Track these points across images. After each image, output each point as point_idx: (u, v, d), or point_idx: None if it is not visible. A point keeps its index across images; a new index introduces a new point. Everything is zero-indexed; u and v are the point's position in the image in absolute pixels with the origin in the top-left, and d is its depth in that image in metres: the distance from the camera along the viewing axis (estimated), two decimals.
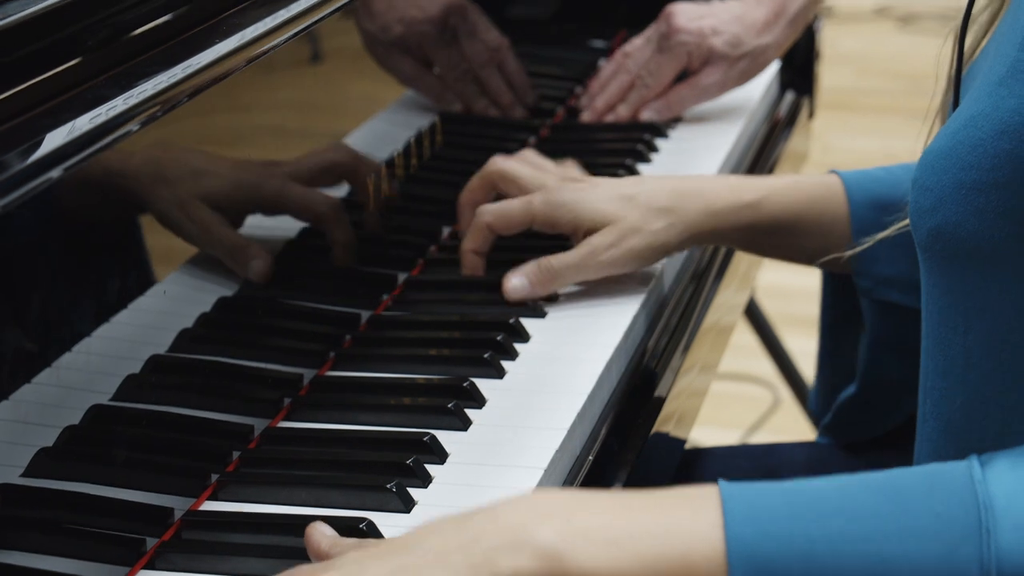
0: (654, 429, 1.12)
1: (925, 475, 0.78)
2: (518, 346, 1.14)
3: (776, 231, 1.19)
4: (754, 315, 2.18)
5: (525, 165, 1.24)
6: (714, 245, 1.31)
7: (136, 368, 1.09)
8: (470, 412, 1.05)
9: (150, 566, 0.90)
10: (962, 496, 0.76)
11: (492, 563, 0.77)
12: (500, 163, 1.25)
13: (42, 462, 0.97)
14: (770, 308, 2.30)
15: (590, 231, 1.18)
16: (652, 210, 1.17)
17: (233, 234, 1.11)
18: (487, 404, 1.07)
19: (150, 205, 1.04)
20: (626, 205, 1.17)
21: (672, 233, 1.17)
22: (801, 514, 0.76)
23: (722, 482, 0.78)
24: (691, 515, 0.77)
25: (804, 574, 0.75)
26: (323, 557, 0.87)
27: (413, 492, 0.96)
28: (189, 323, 1.15)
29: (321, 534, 0.88)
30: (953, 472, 0.78)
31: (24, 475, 0.97)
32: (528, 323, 1.17)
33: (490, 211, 1.21)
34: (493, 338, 1.13)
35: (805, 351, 2.38)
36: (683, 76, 1.55)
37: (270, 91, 1.18)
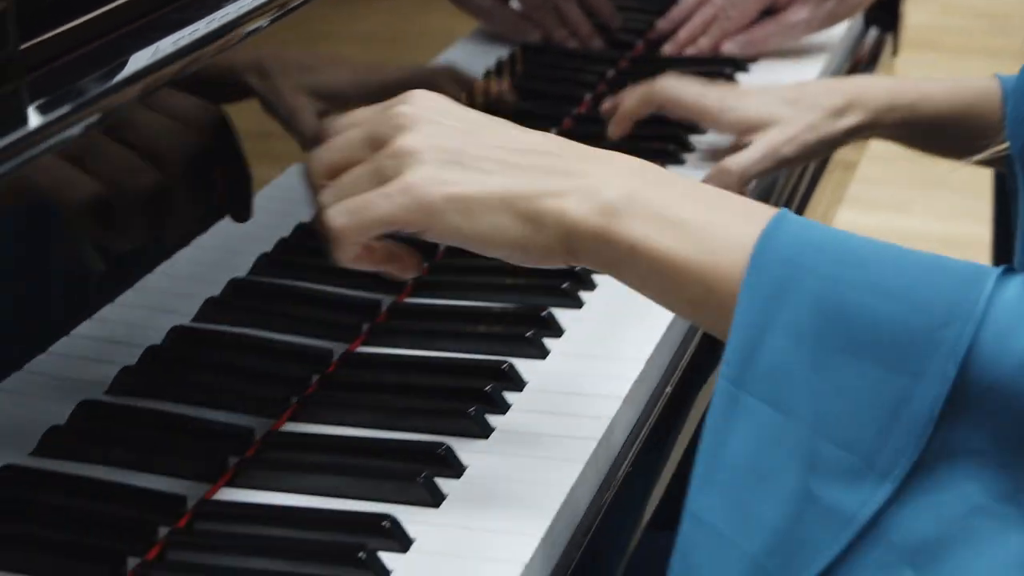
0: None
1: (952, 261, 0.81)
2: (597, 276, 1.14)
3: (931, 131, 1.29)
4: None
5: (692, 86, 1.32)
6: (870, 139, 1.37)
7: (216, 291, 1.10)
8: (547, 341, 1.05)
9: (231, 483, 0.91)
10: (967, 286, 0.76)
11: (566, 199, 0.84)
12: (670, 85, 1.32)
13: (125, 381, 0.98)
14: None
15: (755, 131, 1.28)
16: (820, 108, 1.28)
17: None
18: (565, 333, 1.07)
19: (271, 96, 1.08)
20: (793, 106, 1.28)
21: (839, 128, 1.28)
22: (828, 248, 0.80)
23: (784, 211, 0.82)
24: (744, 225, 0.82)
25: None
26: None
27: (491, 419, 0.96)
28: (268, 247, 1.15)
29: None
30: (973, 267, 0.79)
31: (108, 392, 0.98)
32: None
33: (669, 86, 1.31)
34: (572, 268, 1.13)
35: None
36: (768, 13, 1.53)
37: (345, 23, 1.18)
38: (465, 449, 0.93)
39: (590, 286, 1.13)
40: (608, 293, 1.13)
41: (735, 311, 0.80)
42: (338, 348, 1.05)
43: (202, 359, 1.03)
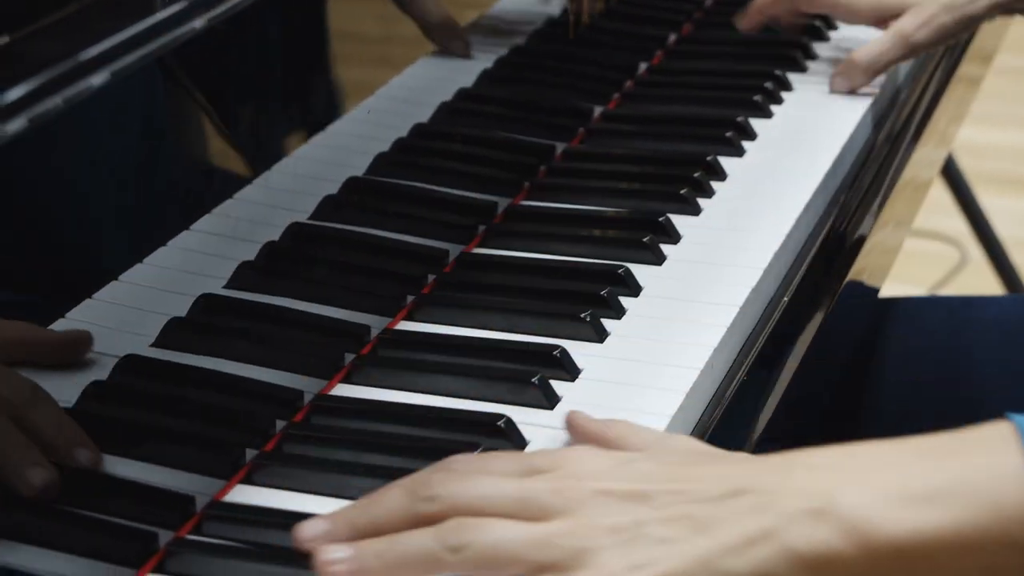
0: (848, 278, 1.10)
1: None
2: (715, 184, 1.13)
3: None
4: (949, 172, 2.13)
5: None
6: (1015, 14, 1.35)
7: (334, 189, 1.10)
8: (664, 247, 1.05)
9: (347, 379, 0.92)
10: None
11: (788, 533, 0.69)
12: None
13: (245, 275, 0.99)
14: (963, 165, 2.24)
15: (891, 18, 1.25)
16: None
17: None
18: (681, 240, 1.06)
19: None
20: None
21: (979, 6, 1.25)
22: None
23: (1012, 416, 0.71)
24: (989, 456, 0.70)
25: None
26: (596, 438, 0.80)
27: (606, 323, 0.96)
28: (386, 147, 1.16)
29: (588, 417, 0.82)
30: None
31: (227, 287, 0.99)
32: (726, 162, 1.16)
33: None
34: (690, 175, 1.12)
35: (998, 208, 2.33)
36: None
37: None
38: (580, 352, 0.93)
39: (708, 193, 1.12)
40: (726, 200, 1.12)
41: None
42: (454, 249, 1.05)
43: (320, 256, 1.03)
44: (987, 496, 0.68)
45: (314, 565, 0.72)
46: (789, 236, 1.06)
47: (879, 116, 1.28)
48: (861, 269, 1.13)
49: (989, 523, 0.68)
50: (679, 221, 1.07)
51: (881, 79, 1.28)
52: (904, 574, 0.69)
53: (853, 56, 1.25)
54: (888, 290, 1.26)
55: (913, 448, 0.71)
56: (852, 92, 1.26)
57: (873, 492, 0.69)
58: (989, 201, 2.26)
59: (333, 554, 0.72)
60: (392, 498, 0.74)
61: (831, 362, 1.12)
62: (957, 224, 2.32)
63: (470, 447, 0.83)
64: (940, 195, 2.23)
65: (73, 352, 0.90)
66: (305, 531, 0.74)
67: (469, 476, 0.74)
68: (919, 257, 2.48)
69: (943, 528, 0.68)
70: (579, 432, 0.82)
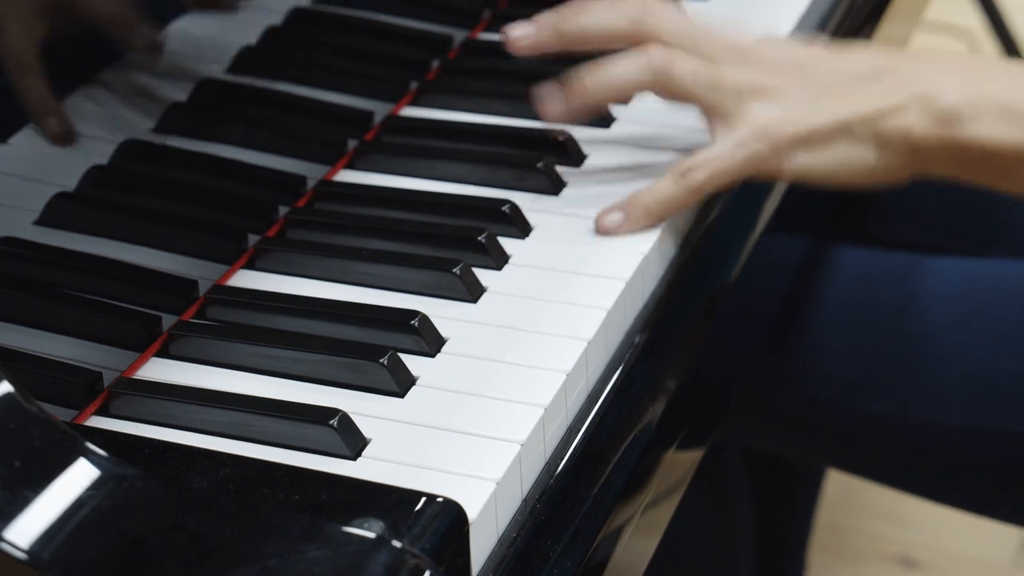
0: None
1: None
2: None
3: None
4: None
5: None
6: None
7: None
8: None
9: (350, 165, 0.91)
10: None
11: (883, 117, 0.82)
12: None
13: (247, 60, 0.98)
14: None
15: None
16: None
17: None
18: None
19: None
20: None
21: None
22: None
23: None
24: None
25: None
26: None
27: (615, 110, 0.95)
28: None
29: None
30: None
31: (228, 71, 0.97)
32: None
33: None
34: None
35: (1017, 3, 2.29)
36: None
37: None
38: (586, 141, 0.92)
39: None
40: None
41: None
42: (459, 34, 1.04)
43: (322, 40, 1.01)
44: None
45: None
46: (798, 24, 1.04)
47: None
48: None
49: None
50: None
51: None
52: (984, 170, 0.83)
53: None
54: None
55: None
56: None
57: (977, 95, 0.81)
58: None
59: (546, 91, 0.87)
60: (598, 11, 0.87)
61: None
62: (970, 17, 2.28)
63: (475, 232, 0.82)
64: None
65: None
66: (512, 30, 0.88)
67: (668, 8, 0.87)
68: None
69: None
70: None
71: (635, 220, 0.84)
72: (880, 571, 1.70)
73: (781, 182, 0.91)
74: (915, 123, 0.82)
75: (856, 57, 0.86)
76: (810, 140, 0.84)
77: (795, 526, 1.37)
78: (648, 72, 0.85)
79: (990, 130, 0.81)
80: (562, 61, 1.00)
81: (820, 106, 0.84)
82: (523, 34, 0.88)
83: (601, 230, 0.84)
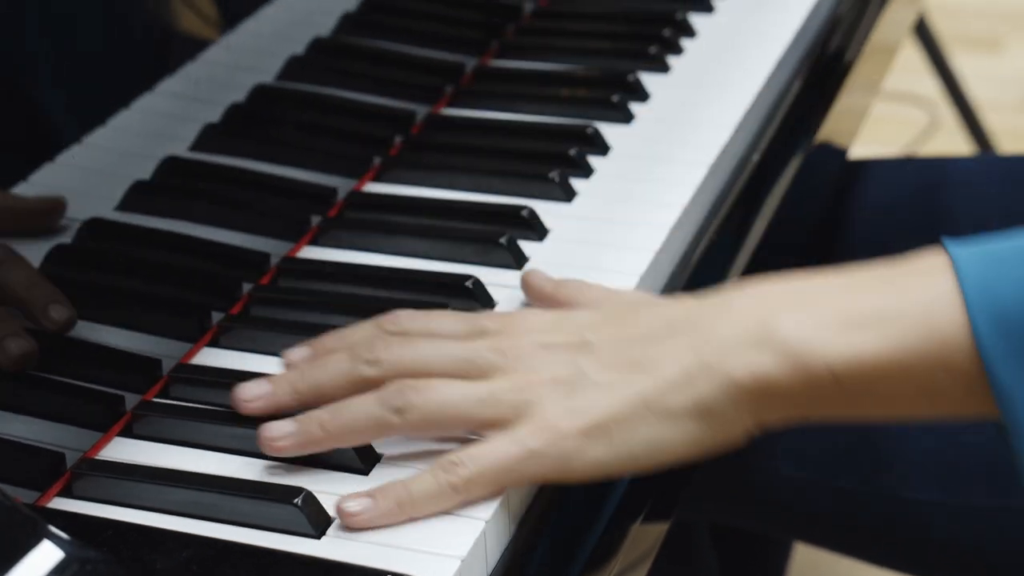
0: (817, 139, 1.09)
1: None
2: (684, 42, 1.12)
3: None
4: (922, 32, 2.11)
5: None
6: None
7: (300, 49, 1.08)
8: (633, 106, 1.04)
9: (314, 242, 0.91)
10: None
11: (727, 362, 0.69)
12: None
13: (210, 137, 0.98)
14: (940, 26, 2.23)
15: None
16: None
17: None
18: (651, 99, 1.05)
19: None
20: None
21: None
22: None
23: (946, 242, 0.70)
24: (923, 282, 0.69)
25: None
26: (548, 298, 0.80)
27: (575, 183, 0.95)
28: (352, 7, 1.14)
29: (544, 277, 0.81)
30: None
31: (192, 149, 0.98)
32: (696, 19, 1.14)
33: None
34: (659, 32, 1.11)
35: (973, 71, 2.32)
36: None
37: None
38: (549, 213, 0.92)
39: (678, 51, 1.11)
40: (695, 57, 1.10)
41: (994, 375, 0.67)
42: (422, 110, 1.04)
43: (285, 118, 1.02)
44: (922, 319, 0.68)
45: (258, 441, 0.72)
46: (759, 94, 1.05)
47: None
48: (830, 130, 1.12)
49: (924, 346, 0.68)
50: (648, 79, 1.06)
51: None
52: (842, 400, 0.70)
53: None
54: (857, 152, 1.26)
55: (850, 277, 0.72)
56: None
57: (811, 318, 0.69)
58: (968, 61, 2.24)
59: (276, 431, 0.72)
60: (334, 362, 0.74)
61: (799, 225, 1.12)
62: (929, 86, 2.31)
63: (438, 308, 0.82)
64: (912, 57, 2.21)
65: (46, 219, 0.89)
66: (244, 392, 0.74)
67: (411, 339, 0.74)
68: (889, 120, 2.48)
69: (880, 352, 0.68)
70: (532, 291, 0.82)
71: (382, 512, 0.69)
72: None
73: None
74: (739, 370, 0.69)
75: (659, 314, 0.73)
76: (605, 430, 0.70)
77: None
78: (387, 413, 0.71)
79: (832, 349, 0.69)
80: (519, 136, 1.01)
81: (609, 389, 0.71)
82: (253, 396, 0.74)
83: (340, 516, 0.70)
